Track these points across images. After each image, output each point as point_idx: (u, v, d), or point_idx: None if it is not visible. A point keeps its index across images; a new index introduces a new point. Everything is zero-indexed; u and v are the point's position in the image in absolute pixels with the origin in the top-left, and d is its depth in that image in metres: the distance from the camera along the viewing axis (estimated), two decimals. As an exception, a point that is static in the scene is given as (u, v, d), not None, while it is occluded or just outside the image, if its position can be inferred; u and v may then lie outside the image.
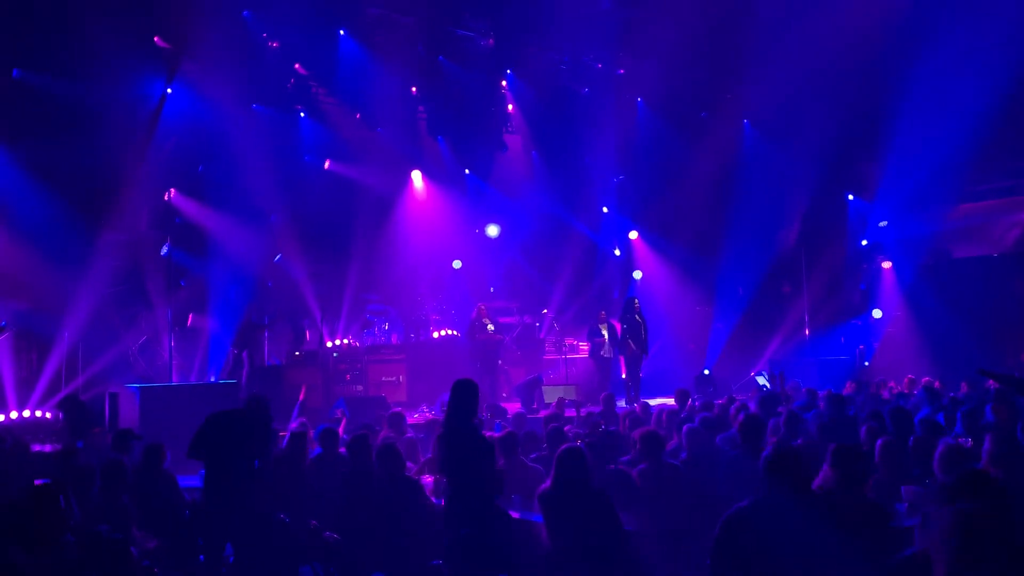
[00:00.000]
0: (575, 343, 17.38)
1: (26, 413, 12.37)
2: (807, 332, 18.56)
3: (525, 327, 17.58)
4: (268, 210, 16.61)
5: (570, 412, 10.99)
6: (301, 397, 12.82)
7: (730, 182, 18.92)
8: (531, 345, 17.22)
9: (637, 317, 14.44)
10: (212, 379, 14.55)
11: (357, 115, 17.72)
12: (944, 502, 3.97)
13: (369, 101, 17.41)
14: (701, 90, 18.72)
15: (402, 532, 6.33)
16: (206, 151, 15.79)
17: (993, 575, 3.26)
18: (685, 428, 7.44)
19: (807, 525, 4.15)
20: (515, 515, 6.19)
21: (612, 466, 6.56)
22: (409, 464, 7.31)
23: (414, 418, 12.03)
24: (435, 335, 16.94)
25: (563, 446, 5.73)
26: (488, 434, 7.78)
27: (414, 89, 17.98)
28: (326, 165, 17.82)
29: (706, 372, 16.41)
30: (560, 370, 16.55)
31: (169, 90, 14.92)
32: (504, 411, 11.18)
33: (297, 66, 16.73)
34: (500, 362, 15.35)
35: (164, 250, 13.70)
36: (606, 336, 15.09)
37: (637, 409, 10.45)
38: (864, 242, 19.94)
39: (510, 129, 19.73)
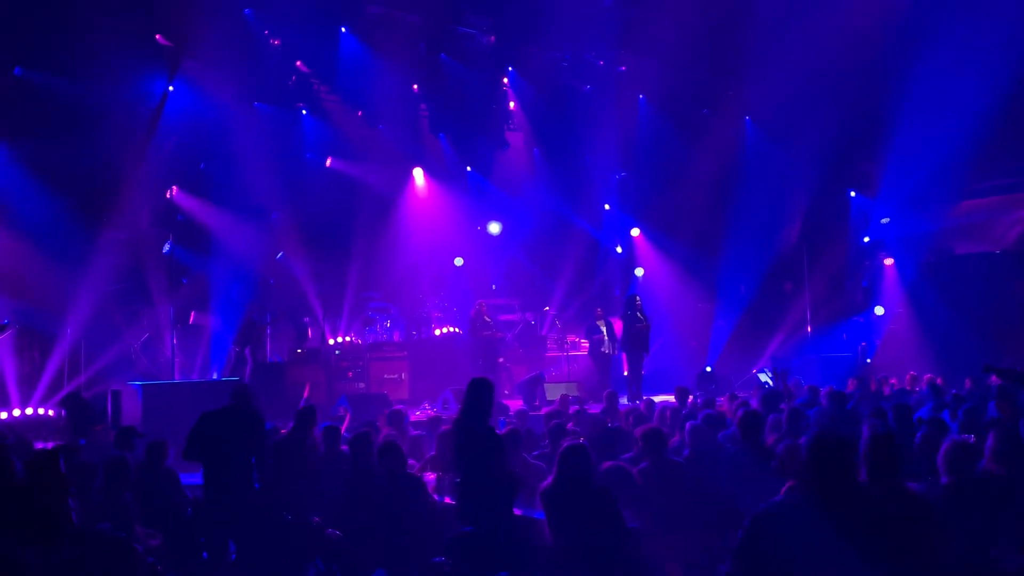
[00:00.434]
0: (577, 340, 17.38)
1: (28, 411, 12.39)
2: (809, 329, 18.54)
3: (527, 324, 17.58)
4: (270, 208, 16.63)
5: (572, 409, 10.98)
6: (305, 394, 12.83)
7: (732, 179, 18.91)
8: (533, 342, 17.22)
9: (639, 314, 14.43)
10: (214, 376, 14.56)
11: (359, 113, 17.71)
12: None
13: (370, 99, 17.40)
14: (702, 88, 18.71)
15: (403, 530, 6.34)
16: (207, 149, 15.80)
17: None
18: (688, 425, 7.44)
19: (851, 522, 3.61)
20: (517, 512, 6.19)
21: (610, 463, 6.55)
22: (412, 461, 7.31)
23: (416, 415, 12.04)
24: (437, 332, 16.95)
25: (565, 443, 5.72)
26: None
27: (415, 87, 17.97)
28: (327, 163, 17.83)
29: (708, 369, 16.40)
30: (562, 367, 16.55)
31: (170, 88, 14.92)
32: (506, 408, 11.18)
33: (299, 64, 16.72)
34: (501, 359, 15.35)
35: (166, 248, 13.73)
36: (604, 333, 15.08)
37: (640, 406, 10.43)
38: (866, 239, 19.93)
39: (511, 127, 19.72)
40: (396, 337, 16.94)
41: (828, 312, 18.95)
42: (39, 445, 9.50)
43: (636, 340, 14.36)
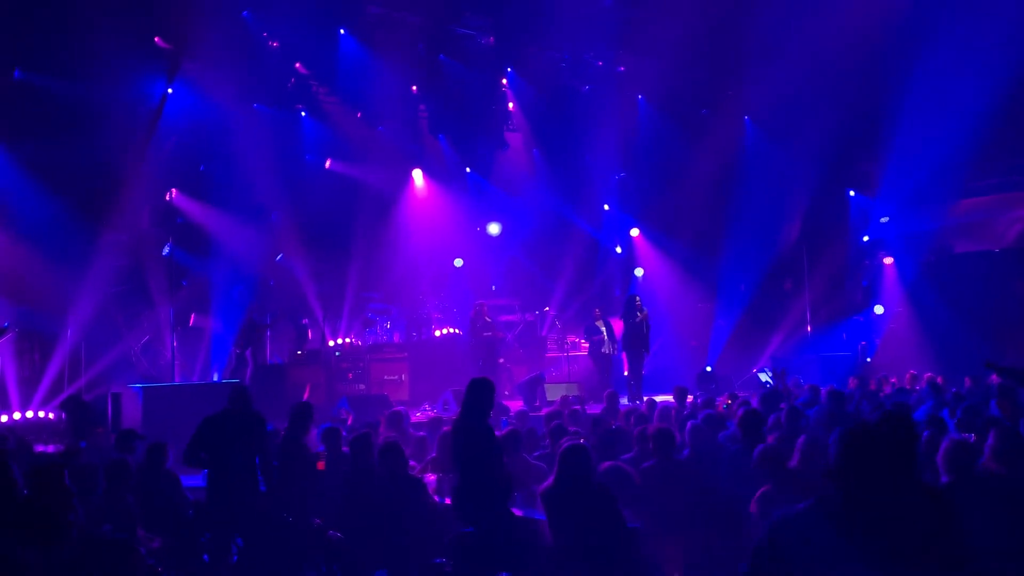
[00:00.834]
0: (577, 340, 17.38)
1: (29, 413, 12.39)
2: (809, 329, 18.55)
3: (527, 325, 17.58)
4: (269, 209, 16.64)
5: (568, 409, 10.98)
6: (305, 396, 12.83)
7: (731, 179, 18.92)
8: (533, 343, 17.23)
9: (638, 315, 14.42)
10: (215, 378, 14.56)
11: (358, 114, 17.72)
12: None
13: (370, 100, 17.40)
14: (702, 87, 18.71)
15: (404, 530, 6.34)
16: (207, 151, 15.81)
17: None
18: (689, 425, 7.44)
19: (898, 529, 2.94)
20: (518, 513, 6.19)
21: (610, 463, 6.56)
22: (412, 463, 7.31)
23: (416, 416, 12.04)
24: (437, 333, 16.95)
25: (565, 443, 5.73)
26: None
27: (415, 88, 17.97)
28: (327, 164, 17.82)
29: (708, 369, 16.40)
30: (562, 367, 16.55)
31: (170, 90, 14.92)
32: (507, 409, 11.18)
33: (298, 65, 16.72)
34: (502, 360, 15.35)
35: (166, 250, 13.73)
36: (604, 333, 15.08)
37: (642, 407, 10.44)
38: (866, 238, 19.93)
39: (511, 127, 19.72)
40: (396, 338, 16.94)
41: (828, 311, 18.95)
42: (39, 448, 9.51)
43: (636, 340, 14.35)
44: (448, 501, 6.63)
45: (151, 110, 14.84)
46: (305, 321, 16.14)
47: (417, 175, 19.16)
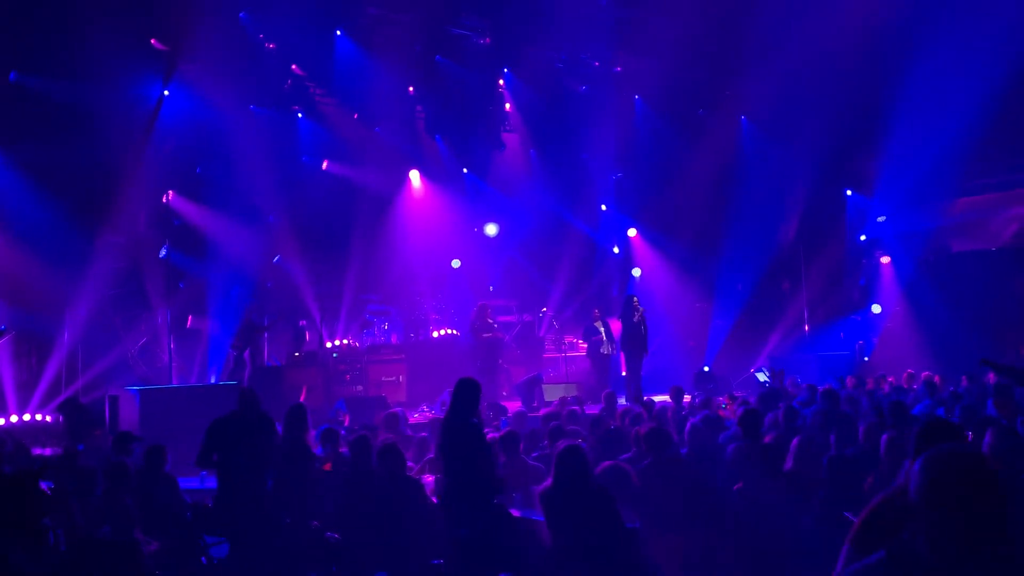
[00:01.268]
0: (575, 341, 17.39)
1: (26, 416, 12.36)
2: (807, 328, 18.57)
3: (525, 325, 17.58)
4: (266, 211, 16.61)
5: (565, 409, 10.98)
6: (302, 398, 12.81)
7: (728, 179, 18.93)
8: (531, 343, 17.23)
9: (636, 315, 14.42)
10: (212, 380, 14.55)
11: (355, 115, 17.70)
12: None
13: (366, 101, 17.40)
14: (699, 87, 18.71)
15: (403, 532, 6.34)
16: (204, 152, 15.79)
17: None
18: (688, 425, 7.44)
19: None
20: (516, 513, 6.19)
21: (608, 463, 6.57)
22: (411, 464, 7.31)
23: (415, 418, 12.03)
24: (435, 334, 16.94)
25: (562, 444, 5.73)
26: (492, 432, 7.80)
27: (411, 88, 17.97)
28: (324, 165, 17.81)
29: (706, 369, 16.41)
30: (560, 368, 16.55)
31: (166, 92, 14.90)
32: (505, 409, 11.18)
33: (294, 67, 16.71)
34: (500, 361, 15.34)
35: (163, 252, 13.70)
36: (603, 333, 15.08)
37: (639, 406, 10.44)
38: (863, 237, 19.95)
39: (508, 128, 19.73)
40: (394, 339, 16.94)
41: (825, 311, 18.97)
42: (37, 451, 9.50)
43: (634, 340, 14.35)
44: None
45: (148, 112, 14.82)
46: (303, 323, 16.13)
47: (414, 176, 19.15)
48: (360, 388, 14.66)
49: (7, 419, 12.11)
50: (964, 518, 2.15)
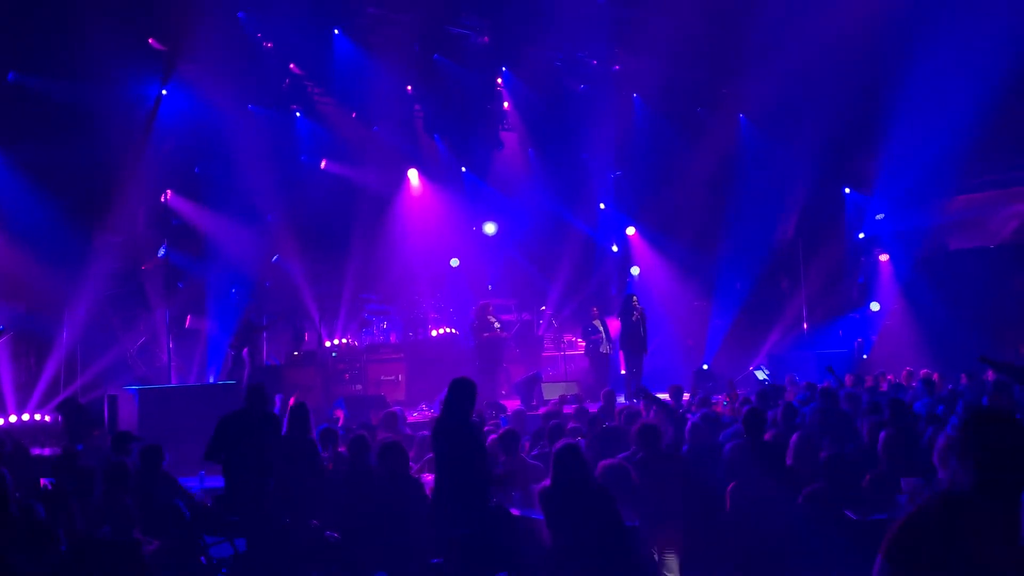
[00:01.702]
0: (574, 340, 17.38)
1: (25, 417, 12.35)
2: (805, 326, 18.57)
3: (523, 324, 17.58)
4: (265, 210, 16.59)
5: (569, 409, 11.00)
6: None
7: (727, 177, 18.93)
8: (530, 342, 17.22)
9: (635, 314, 14.42)
10: (211, 380, 14.54)
11: (353, 114, 17.69)
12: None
13: (365, 100, 17.37)
14: (697, 86, 18.71)
15: (402, 531, 6.35)
16: (202, 152, 15.76)
17: None
18: (688, 423, 7.44)
19: None
20: (515, 512, 6.20)
21: (607, 461, 6.57)
22: (411, 464, 7.32)
23: (413, 417, 12.04)
24: (434, 333, 16.94)
25: (559, 443, 5.74)
26: (491, 432, 7.80)
27: (410, 87, 17.95)
28: (322, 165, 17.80)
29: (705, 367, 16.42)
30: (559, 367, 16.56)
31: (164, 91, 14.88)
32: (504, 408, 11.18)
33: (292, 66, 16.69)
34: (502, 361, 15.32)
35: (161, 251, 13.70)
36: (602, 332, 15.08)
37: (638, 405, 10.44)
38: (861, 235, 19.97)
39: (506, 127, 19.72)
40: (393, 339, 16.93)
41: (824, 309, 18.98)
42: (36, 451, 9.50)
43: (633, 339, 14.37)
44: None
45: (146, 112, 14.80)
46: (302, 322, 16.13)
47: (413, 175, 19.13)
48: (359, 387, 14.67)
49: (6, 419, 12.09)
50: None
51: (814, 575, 5.62)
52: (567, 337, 17.35)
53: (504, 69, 18.55)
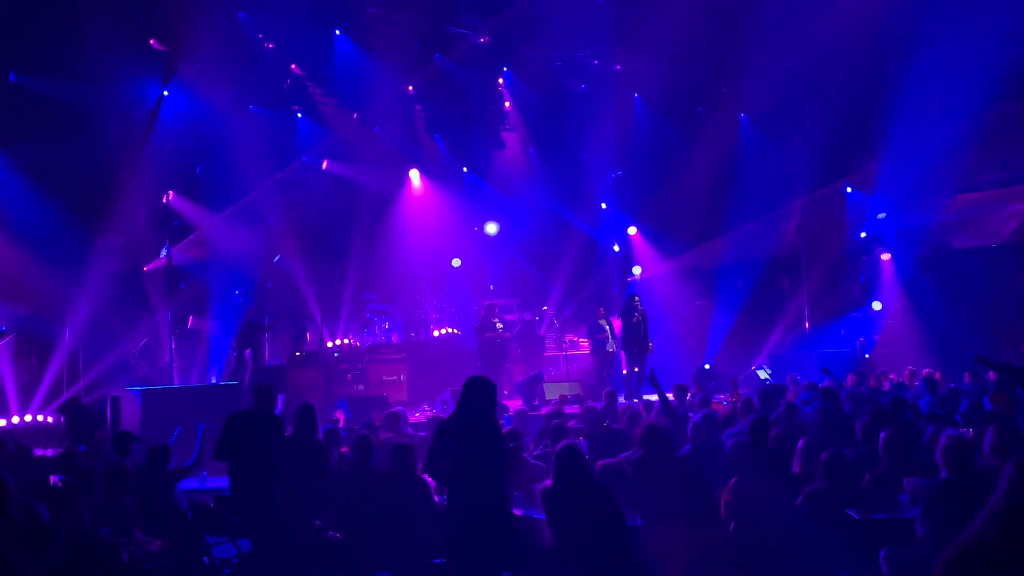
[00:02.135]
0: (575, 339, 17.38)
1: (28, 417, 12.38)
2: (807, 325, 18.55)
3: (525, 324, 17.57)
4: (266, 211, 16.61)
5: (571, 409, 11.00)
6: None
7: (728, 176, 18.90)
8: (531, 342, 17.21)
9: (636, 315, 14.41)
10: (213, 381, 14.56)
11: (354, 115, 17.70)
12: None
13: (366, 100, 17.38)
14: (698, 85, 18.69)
15: (405, 531, 6.35)
16: (204, 153, 15.79)
17: None
18: (691, 422, 7.43)
19: None
20: (517, 512, 6.20)
21: (607, 460, 6.57)
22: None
23: (415, 417, 12.05)
24: (435, 334, 16.95)
25: (560, 443, 5.74)
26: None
27: (411, 88, 17.96)
28: (324, 165, 17.81)
29: (707, 367, 16.41)
30: (561, 367, 16.56)
31: (165, 92, 14.91)
32: (505, 408, 11.19)
33: (293, 67, 16.70)
34: (505, 362, 15.32)
35: (163, 252, 13.72)
36: (608, 332, 15.08)
37: (639, 405, 10.45)
38: (863, 234, 19.94)
39: (507, 127, 19.72)
40: (395, 339, 16.94)
41: (826, 308, 18.95)
42: (39, 452, 9.51)
43: (633, 340, 14.36)
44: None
45: (147, 112, 14.83)
46: (304, 322, 16.14)
47: (414, 175, 19.15)
48: (361, 387, 14.67)
49: (8, 420, 12.12)
50: None
51: (815, 575, 5.62)
52: (569, 337, 17.35)
53: (505, 69, 18.55)
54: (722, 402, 11.06)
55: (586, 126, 18.88)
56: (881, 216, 19.40)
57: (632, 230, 20.74)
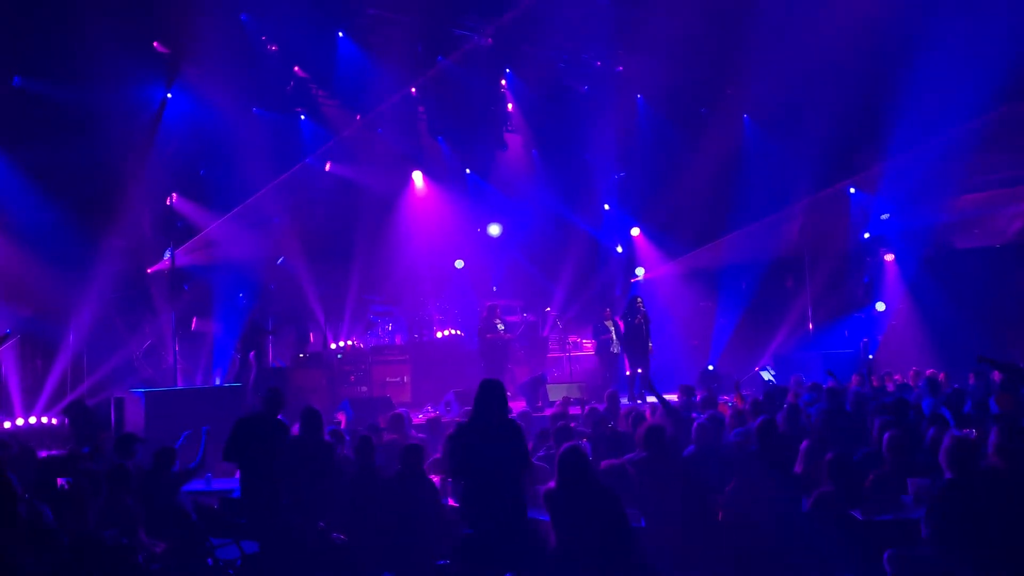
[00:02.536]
0: (578, 341, 17.38)
1: (32, 419, 12.40)
2: (811, 326, 18.54)
3: (528, 325, 17.59)
4: (270, 213, 16.63)
5: (574, 410, 11.00)
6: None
7: (731, 177, 18.89)
8: (534, 343, 17.23)
9: (638, 317, 14.41)
10: (217, 383, 14.58)
11: (357, 116, 17.71)
12: None
13: (369, 102, 17.39)
14: (701, 86, 18.68)
15: (409, 532, 6.35)
16: (207, 155, 15.81)
17: None
18: (695, 423, 7.43)
19: None
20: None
21: (610, 461, 6.56)
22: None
23: (419, 418, 12.05)
24: (439, 335, 16.95)
25: (563, 445, 5.73)
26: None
27: (413, 89, 17.97)
28: (327, 167, 17.83)
29: (710, 368, 16.39)
30: (564, 368, 16.56)
31: (169, 95, 14.93)
32: (510, 409, 11.16)
33: (296, 68, 16.72)
34: (507, 363, 15.32)
35: (167, 254, 13.74)
36: (612, 332, 15.08)
37: (641, 405, 10.45)
38: (866, 235, 19.91)
39: (510, 128, 19.72)
40: (398, 340, 16.96)
41: (829, 308, 18.94)
42: (43, 454, 9.52)
43: (635, 341, 14.36)
44: (451, 503, 6.63)
45: (150, 115, 14.85)
46: (307, 324, 16.16)
47: (417, 177, 19.17)
48: (365, 389, 14.70)
49: (13, 422, 12.14)
50: None
51: (819, 575, 5.62)
52: (572, 338, 17.35)
53: (507, 70, 18.55)
54: (727, 403, 11.04)
55: (589, 127, 18.88)
56: (885, 217, 19.38)
57: (635, 231, 20.74)
